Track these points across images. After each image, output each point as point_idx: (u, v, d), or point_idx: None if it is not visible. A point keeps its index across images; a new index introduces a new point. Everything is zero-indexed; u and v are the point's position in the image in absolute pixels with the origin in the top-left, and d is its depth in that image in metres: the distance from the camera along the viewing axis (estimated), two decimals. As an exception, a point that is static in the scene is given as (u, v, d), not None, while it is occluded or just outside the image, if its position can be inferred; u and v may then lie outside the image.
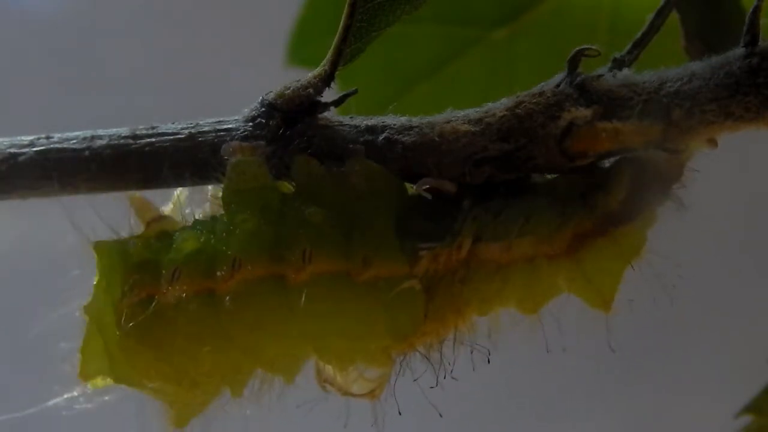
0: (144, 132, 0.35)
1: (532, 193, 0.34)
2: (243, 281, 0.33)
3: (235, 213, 0.33)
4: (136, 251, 0.34)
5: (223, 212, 0.34)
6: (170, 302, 0.33)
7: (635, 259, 0.34)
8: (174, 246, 0.33)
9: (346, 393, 0.35)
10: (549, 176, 0.35)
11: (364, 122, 0.35)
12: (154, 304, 0.33)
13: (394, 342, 0.34)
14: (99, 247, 0.34)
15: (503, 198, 0.34)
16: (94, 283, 0.34)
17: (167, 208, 0.36)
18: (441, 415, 0.36)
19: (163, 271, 0.33)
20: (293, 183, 0.34)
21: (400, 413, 0.35)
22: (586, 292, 0.34)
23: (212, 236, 0.33)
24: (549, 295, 0.34)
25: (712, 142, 0.34)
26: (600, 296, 0.34)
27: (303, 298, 0.33)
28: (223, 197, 0.34)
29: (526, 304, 0.34)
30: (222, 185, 0.34)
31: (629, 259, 0.34)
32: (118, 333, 0.33)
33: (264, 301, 0.33)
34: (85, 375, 0.34)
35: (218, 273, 0.33)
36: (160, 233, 0.34)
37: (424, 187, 0.34)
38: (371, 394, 0.35)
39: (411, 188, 0.35)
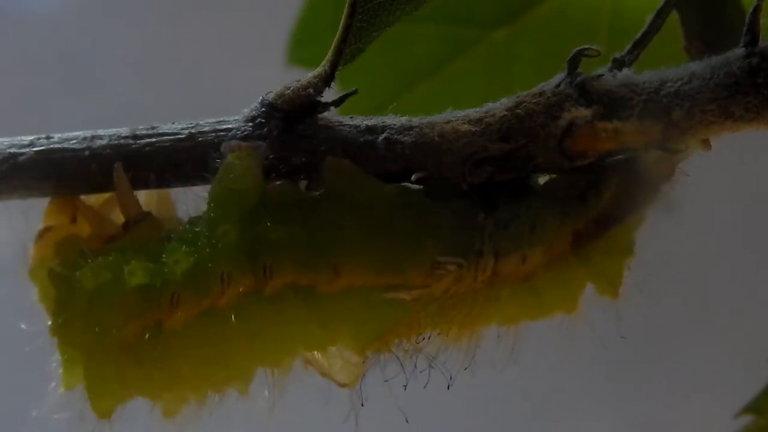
0: (144, 132, 0.35)
1: (533, 196, 0.34)
2: (234, 295, 0.33)
3: (215, 222, 0.33)
4: (133, 276, 0.33)
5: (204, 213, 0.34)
6: (175, 328, 0.33)
7: (628, 257, 0.34)
8: (166, 269, 0.33)
9: (325, 375, 0.35)
10: (548, 176, 0.35)
11: (364, 122, 0.35)
12: (159, 332, 0.33)
13: (356, 346, 0.34)
14: (83, 278, 0.33)
15: (507, 204, 0.34)
16: (75, 317, 0.33)
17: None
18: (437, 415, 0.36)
19: (161, 297, 0.33)
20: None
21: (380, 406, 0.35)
22: (598, 283, 0.35)
23: (199, 251, 0.33)
24: (580, 289, 0.35)
25: (706, 144, 0.34)
26: (610, 284, 0.35)
27: (273, 308, 0.33)
28: (210, 193, 0.34)
29: (567, 304, 0.35)
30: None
31: (624, 256, 0.34)
32: (123, 362, 0.33)
33: (251, 312, 0.33)
34: (102, 411, 0.34)
35: (212, 290, 0.33)
36: (140, 245, 0.34)
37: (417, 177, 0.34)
38: (348, 384, 0.35)
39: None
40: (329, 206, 0.34)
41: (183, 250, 0.33)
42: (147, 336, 0.33)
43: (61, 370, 0.34)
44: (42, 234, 0.35)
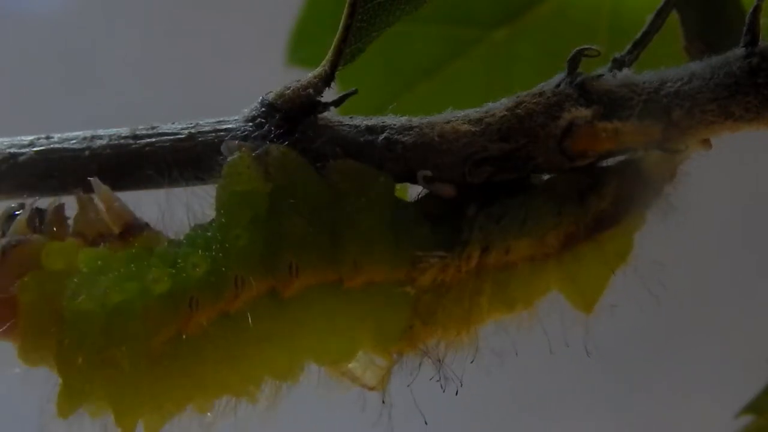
0: (144, 132, 0.35)
1: (530, 194, 0.34)
2: (249, 299, 0.33)
3: (228, 226, 0.33)
4: (158, 284, 0.32)
5: (214, 218, 0.34)
6: (194, 333, 0.32)
7: (621, 264, 0.34)
8: (183, 274, 0.32)
9: (356, 381, 0.35)
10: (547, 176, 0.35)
11: (364, 122, 0.35)
12: (181, 340, 0.32)
13: (380, 347, 0.34)
14: (110, 292, 0.32)
15: (503, 201, 0.34)
16: (97, 333, 0.32)
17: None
18: (431, 418, 0.36)
19: (180, 303, 0.32)
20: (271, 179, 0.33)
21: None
22: (570, 293, 0.34)
23: (212, 255, 0.33)
24: (542, 293, 0.35)
25: (706, 144, 0.34)
26: (582, 298, 0.34)
27: (293, 311, 0.33)
28: (216, 197, 0.34)
29: (526, 304, 0.35)
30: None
31: (615, 265, 0.34)
32: (152, 374, 0.32)
33: (264, 316, 0.33)
34: (129, 427, 0.33)
35: (225, 294, 0.32)
36: (145, 253, 0.33)
37: (423, 175, 0.34)
38: (375, 386, 0.35)
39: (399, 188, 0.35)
40: (339, 202, 0.33)
41: (200, 254, 0.33)
42: (172, 345, 0.32)
43: (58, 396, 0.33)
44: (14, 247, 0.33)
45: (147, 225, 0.34)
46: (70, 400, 0.33)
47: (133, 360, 0.32)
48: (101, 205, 0.34)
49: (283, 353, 0.34)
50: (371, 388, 0.35)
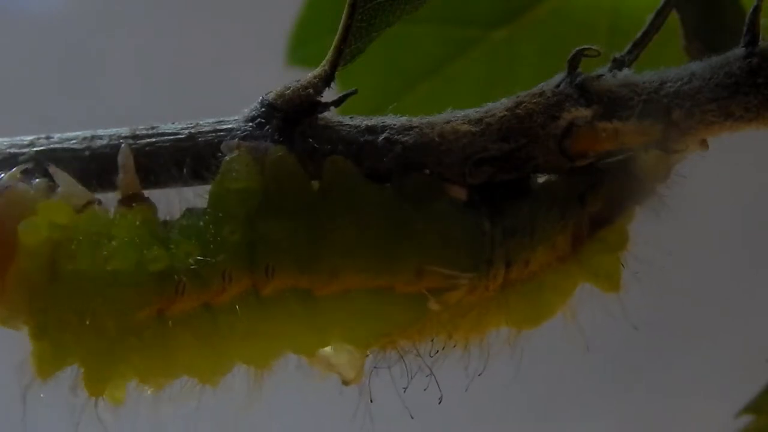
0: (144, 132, 0.35)
1: (534, 204, 0.34)
2: (235, 293, 0.33)
3: (223, 221, 0.33)
4: (156, 263, 0.33)
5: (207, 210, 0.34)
6: (175, 316, 0.33)
7: (623, 250, 0.35)
8: (176, 259, 0.33)
9: (332, 371, 0.35)
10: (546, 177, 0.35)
11: (364, 122, 0.35)
12: (162, 320, 0.33)
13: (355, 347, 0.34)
14: (117, 255, 0.33)
15: (510, 210, 0.34)
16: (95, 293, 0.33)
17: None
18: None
19: (168, 285, 0.33)
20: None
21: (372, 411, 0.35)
22: (597, 280, 0.35)
23: (205, 247, 0.33)
24: (572, 291, 0.35)
25: (704, 144, 0.34)
26: (609, 282, 0.35)
27: (270, 309, 0.33)
28: (212, 192, 0.34)
29: (562, 305, 0.35)
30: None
31: (618, 250, 0.35)
32: (129, 344, 0.33)
33: (248, 311, 0.33)
34: (97, 390, 0.33)
35: (212, 286, 0.33)
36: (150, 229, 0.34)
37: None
38: (352, 380, 0.35)
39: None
40: (326, 205, 0.34)
41: (193, 243, 0.33)
42: (153, 322, 0.33)
43: (40, 356, 0.33)
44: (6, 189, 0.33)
45: (148, 198, 0.34)
46: (53, 358, 0.33)
47: (120, 327, 0.33)
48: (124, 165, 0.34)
49: (259, 347, 0.34)
50: (348, 382, 0.35)
